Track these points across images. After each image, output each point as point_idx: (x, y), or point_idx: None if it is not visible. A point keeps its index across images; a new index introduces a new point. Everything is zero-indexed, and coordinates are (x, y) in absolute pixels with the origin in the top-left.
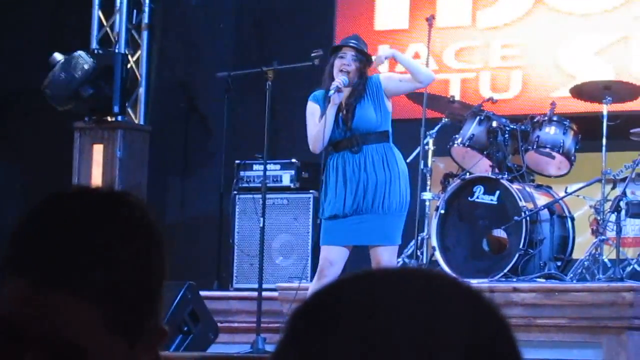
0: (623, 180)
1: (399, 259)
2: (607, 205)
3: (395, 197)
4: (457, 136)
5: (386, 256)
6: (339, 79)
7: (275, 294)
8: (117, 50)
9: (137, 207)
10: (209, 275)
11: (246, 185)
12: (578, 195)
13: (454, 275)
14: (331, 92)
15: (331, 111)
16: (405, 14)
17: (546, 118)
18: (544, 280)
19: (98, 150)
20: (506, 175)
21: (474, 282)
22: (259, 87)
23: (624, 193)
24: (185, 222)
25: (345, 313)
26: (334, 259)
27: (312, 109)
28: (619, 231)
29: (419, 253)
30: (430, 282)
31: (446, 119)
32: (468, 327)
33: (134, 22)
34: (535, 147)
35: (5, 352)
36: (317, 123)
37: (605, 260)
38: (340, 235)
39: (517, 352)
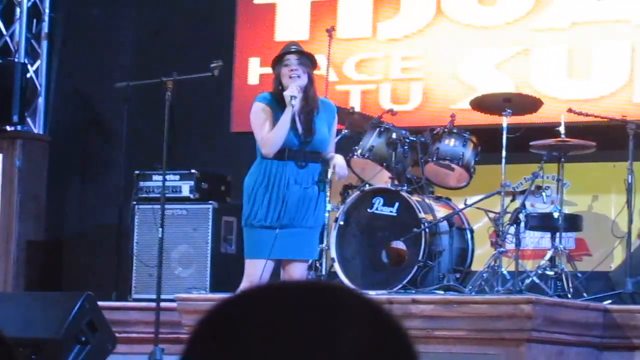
0: (522, 192)
1: None
2: (507, 218)
3: (322, 211)
4: (356, 147)
5: (302, 271)
6: (293, 88)
7: (173, 304)
8: (16, 60)
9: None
10: (107, 285)
11: (145, 195)
12: (477, 208)
13: (353, 287)
14: (293, 101)
15: (288, 117)
16: (305, 25)
17: (446, 130)
18: (442, 292)
19: None
20: (406, 187)
21: (373, 294)
22: (158, 97)
23: (523, 205)
24: (84, 232)
25: (250, 325)
26: (266, 274)
27: (263, 109)
28: (518, 243)
29: (317, 264)
30: (332, 295)
31: (346, 130)
32: (368, 339)
33: (33, 31)
34: (434, 159)
35: None
36: (270, 125)
37: (504, 272)
38: (273, 248)
39: None
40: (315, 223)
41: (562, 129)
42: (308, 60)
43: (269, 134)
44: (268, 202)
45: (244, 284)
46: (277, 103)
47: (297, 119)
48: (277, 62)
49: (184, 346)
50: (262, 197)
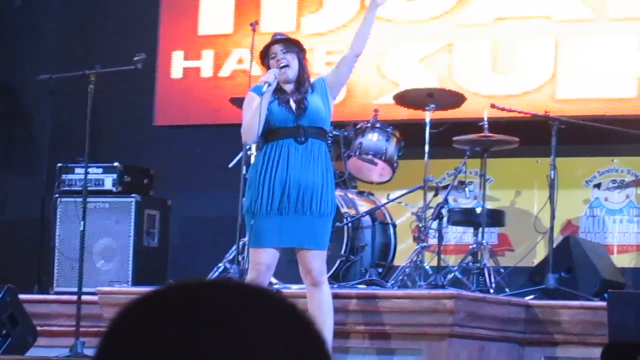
0: (445, 187)
1: (220, 264)
2: (429, 213)
3: (330, 200)
4: None
5: (318, 262)
6: (270, 73)
7: (95, 297)
8: None
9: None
10: (29, 278)
11: (68, 188)
12: (400, 202)
13: (265, 286)
14: (265, 87)
15: (265, 102)
16: (229, 19)
17: (369, 125)
18: (365, 286)
19: None
20: None
21: (295, 288)
22: (82, 90)
23: (445, 200)
24: (6, 225)
25: (166, 323)
26: (270, 262)
27: (250, 97)
28: (440, 238)
29: (240, 258)
30: (245, 295)
31: None
32: (280, 339)
33: None
34: (357, 153)
35: None
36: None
37: (427, 267)
38: (276, 236)
39: None
40: (323, 211)
41: (485, 125)
42: (294, 46)
43: (244, 122)
44: (271, 189)
45: (250, 274)
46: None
47: (291, 99)
48: (265, 55)
49: (96, 347)
50: (264, 183)
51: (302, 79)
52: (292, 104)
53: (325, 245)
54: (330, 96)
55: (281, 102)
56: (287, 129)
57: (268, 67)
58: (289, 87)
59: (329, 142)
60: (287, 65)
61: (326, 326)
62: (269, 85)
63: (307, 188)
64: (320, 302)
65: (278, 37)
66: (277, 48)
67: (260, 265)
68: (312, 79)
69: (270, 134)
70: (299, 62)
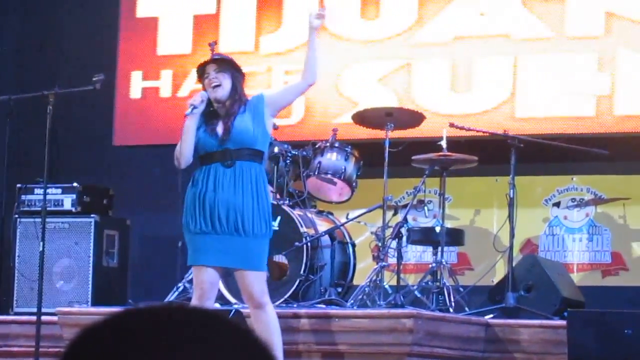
0: (404, 206)
1: (180, 284)
2: (389, 232)
3: (263, 221)
4: None
5: (258, 284)
6: (196, 97)
7: (55, 318)
8: None
9: None
10: None
11: (27, 208)
12: (359, 222)
13: (230, 304)
14: (187, 111)
15: (192, 125)
16: (188, 38)
17: (328, 144)
18: (324, 306)
19: None
20: (287, 201)
21: None
22: (40, 110)
23: (405, 219)
24: None
25: (124, 347)
26: (213, 280)
27: (187, 122)
28: (399, 257)
29: None
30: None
31: None
32: None
33: None
34: (316, 173)
35: None
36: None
37: (386, 286)
38: (212, 255)
39: None
40: (257, 232)
41: (444, 144)
42: (227, 65)
43: (177, 147)
44: (199, 209)
45: (195, 292)
46: (204, 114)
47: (219, 123)
48: (200, 75)
49: None
50: (194, 203)
51: (234, 97)
52: (219, 128)
53: (262, 267)
54: (266, 115)
55: (207, 128)
56: (214, 153)
57: (203, 87)
58: (220, 108)
59: (278, 158)
60: (218, 85)
61: (275, 347)
62: (195, 107)
63: (237, 209)
64: (266, 323)
65: (215, 56)
66: (210, 67)
67: (204, 283)
68: (250, 96)
69: (200, 159)
70: (232, 81)
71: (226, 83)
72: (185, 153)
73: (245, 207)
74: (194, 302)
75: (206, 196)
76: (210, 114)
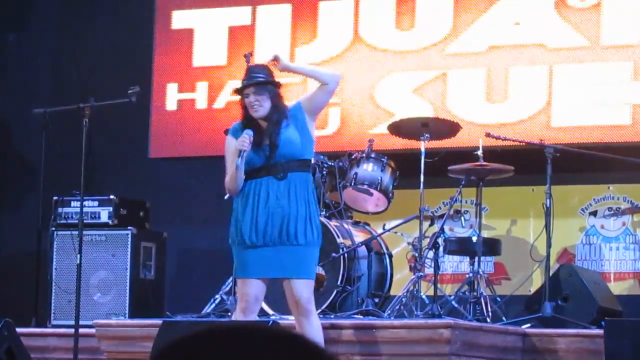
0: (441, 217)
1: (217, 296)
2: (425, 242)
3: (315, 229)
4: None
5: (306, 291)
6: (244, 142)
7: (92, 330)
8: None
9: None
10: (27, 312)
11: (64, 221)
12: (396, 232)
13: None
14: (238, 160)
15: (242, 166)
16: (223, 50)
17: (364, 155)
18: (361, 316)
19: None
20: (324, 212)
21: (292, 319)
22: (76, 123)
23: (441, 230)
24: (2, 259)
25: None
26: (258, 293)
27: (229, 144)
28: (436, 268)
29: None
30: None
31: None
32: None
33: None
34: (352, 183)
35: None
36: (232, 164)
37: (423, 296)
38: (261, 267)
39: None
40: (309, 240)
41: (480, 153)
42: (266, 85)
43: (227, 178)
44: (254, 220)
45: (239, 305)
46: (246, 128)
47: (265, 139)
48: (240, 91)
49: None
50: (245, 216)
51: (272, 117)
52: (266, 145)
53: (312, 274)
54: (307, 121)
55: (254, 145)
56: (264, 168)
57: (243, 103)
58: (264, 124)
59: (314, 170)
60: (259, 106)
61: None
62: (245, 152)
63: (291, 219)
64: (311, 332)
65: (252, 76)
66: (249, 90)
67: (249, 296)
68: (289, 105)
69: (249, 173)
70: (271, 100)
71: (266, 103)
72: (237, 188)
73: (299, 216)
74: (238, 315)
75: (259, 207)
76: (255, 131)
